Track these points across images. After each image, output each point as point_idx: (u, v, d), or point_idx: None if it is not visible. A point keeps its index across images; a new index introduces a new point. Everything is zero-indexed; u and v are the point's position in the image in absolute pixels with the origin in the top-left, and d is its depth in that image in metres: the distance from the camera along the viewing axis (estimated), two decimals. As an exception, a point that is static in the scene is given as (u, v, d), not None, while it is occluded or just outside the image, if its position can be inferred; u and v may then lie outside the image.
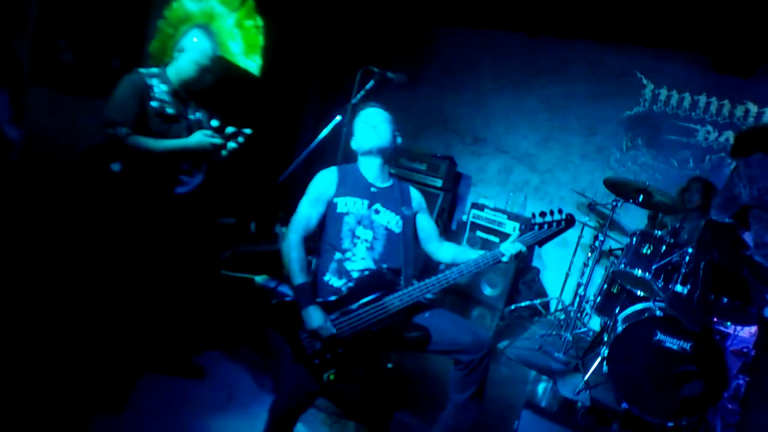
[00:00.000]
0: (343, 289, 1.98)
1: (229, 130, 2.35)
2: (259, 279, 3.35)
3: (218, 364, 2.85)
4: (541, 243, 2.03)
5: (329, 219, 2.07)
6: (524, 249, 1.97)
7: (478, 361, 1.92)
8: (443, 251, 2.19)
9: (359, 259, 2.03)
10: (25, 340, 2.28)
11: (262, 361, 2.89)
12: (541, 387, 3.18)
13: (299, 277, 1.93)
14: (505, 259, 1.96)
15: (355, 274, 2.01)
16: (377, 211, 2.08)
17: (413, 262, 2.09)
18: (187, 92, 2.34)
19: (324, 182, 2.10)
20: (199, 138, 2.24)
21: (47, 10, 2.61)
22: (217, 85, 2.42)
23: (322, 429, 2.48)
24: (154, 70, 2.28)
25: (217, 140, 2.29)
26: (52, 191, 2.65)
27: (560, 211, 2.01)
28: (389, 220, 2.09)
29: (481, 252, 2.02)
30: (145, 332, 2.46)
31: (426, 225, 2.21)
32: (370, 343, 1.93)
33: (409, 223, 2.12)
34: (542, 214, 2.01)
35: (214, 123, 2.34)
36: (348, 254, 2.03)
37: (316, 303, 1.90)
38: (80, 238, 2.51)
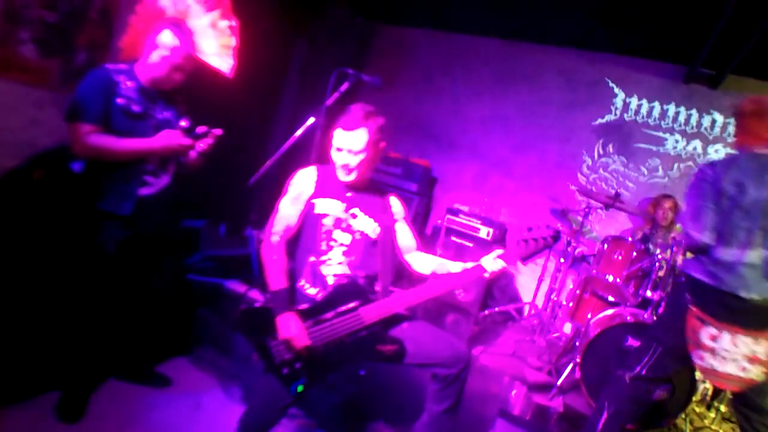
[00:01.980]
0: (318, 297, 1.93)
1: (200, 130, 2.27)
2: (229, 283, 3.26)
3: (185, 371, 2.76)
4: (526, 260, 2.01)
5: (306, 220, 2.02)
6: (507, 266, 1.93)
7: (455, 375, 1.90)
8: (422, 263, 2.14)
9: (335, 264, 1.98)
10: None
11: (231, 369, 2.82)
12: (514, 393, 3.18)
13: (278, 282, 1.87)
14: (486, 275, 1.93)
15: (330, 279, 1.97)
16: (354, 216, 2.03)
17: (391, 271, 2.04)
18: (156, 90, 2.25)
19: (303, 181, 2.04)
20: (166, 138, 2.16)
21: (9, 1, 2.49)
22: (187, 84, 2.34)
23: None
24: (122, 66, 2.19)
25: (185, 140, 2.22)
26: (10, 190, 2.53)
27: (547, 227, 1.96)
28: (366, 225, 2.04)
29: (461, 264, 1.99)
30: (108, 338, 2.35)
31: (405, 235, 2.17)
32: (342, 355, 1.88)
33: (388, 231, 2.07)
34: (529, 230, 1.96)
35: (184, 123, 2.26)
36: (323, 257, 1.98)
37: (293, 311, 1.85)
38: (39, 241, 2.39)
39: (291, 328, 1.80)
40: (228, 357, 2.88)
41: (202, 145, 2.28)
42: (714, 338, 2.09)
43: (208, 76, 3.67)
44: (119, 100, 2.10)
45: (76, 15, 2.79)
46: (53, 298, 2.31)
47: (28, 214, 2.43)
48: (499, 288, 4.77)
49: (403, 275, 4.52)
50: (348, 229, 2.01)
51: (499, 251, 1.94)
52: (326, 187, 2.04)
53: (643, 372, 2.30)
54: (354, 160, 1.96)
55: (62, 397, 2.23)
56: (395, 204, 2.17)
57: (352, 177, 1.99)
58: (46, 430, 2.10)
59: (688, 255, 2.35)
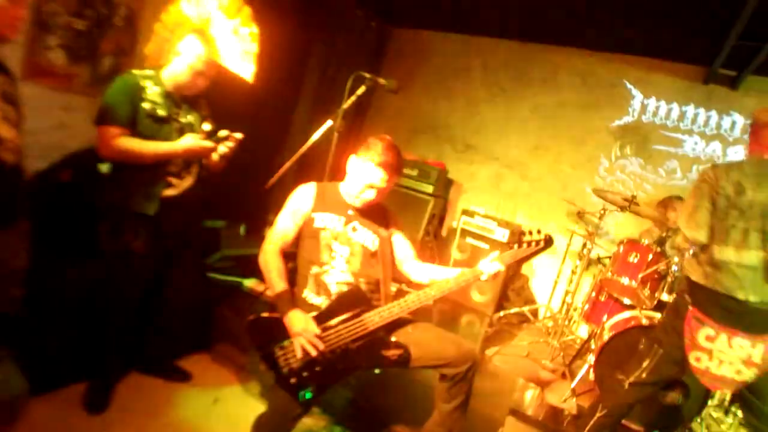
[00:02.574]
0: (322, 305, 1.99)
1: (221, 133, 2.35)
2: (248, 283, 3.34)
3: (205, 366, 2.84)
4: (520, 262, 2.09)
5: (306, 234, 2.09)
6: (502, 268, 2.00)
7: (463, 374, 1.94)
8: (421, 272, 2.19)
9: (338, 272, 2.05)
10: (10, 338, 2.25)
11: (249, 366, 2.89)
12: (528, 394, 3.19)
13: (279, 285, 1.94)
14: (483, 277, 1.99)
15: (333, 287, 2.03)
16: (354, 229, 2.10)
17: (391, 278, 2.12)
18: (180, 95, 2.34)
19: (302, 197, 2.11)
20: (189, 141, 2.24)
21: (38, 9, 2.60)
22: (210, 89, 2.42)
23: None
24: (149, 71, 2.28)
25: (208, 143, 2.29)
26: (42, 190, 2.63)
27: (539, 232, 2.02)
28: (366, 238, 2.10)
29: (459, 270, 2.04)
30: (133, 332, 2.44)
31: (402, 245, 2.24)
32: (349, 361, 1.91)
33: (386, 242, 2.14)
34: (521, 234, 2.04)
35: (206, 126, 2.34)
36: (326, 267, 2.04)
37: (297, 308, 1.90)
38: (68, 239, 2.49)
39: (300, 322, 1.85)
40: (246, 353, 2.95)
41: (223, 148, 2.36)
42: (710, 339, 2.09)
43: (230, 82, 3.76)
44: (145, 105, 2.19)
45: (102, 22, 2.90)
46: (80, 292, 2.40)
47: (56, 213, 2.53)
48: (514, 290, 4.78)
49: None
50: (348, 242, 2.08)
51: (496, 254, 2.01)
52: (327, 202, 2.11)
53: (644, 375, 2.31)
54: (377, 196, 2.06)
55: (89, 387, 2.33)
56: (391, 217, 2.25)
57: (364, 205, 2.09)
58: (74, 419, 2.19)
59: (687, 256, 2.35)
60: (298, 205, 2.10)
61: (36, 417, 2.09)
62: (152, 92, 2.22)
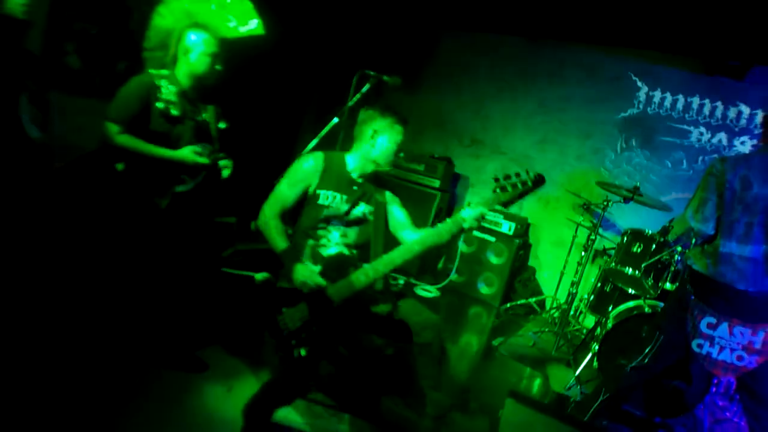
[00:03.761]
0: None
1: (221, 162, 2.43)
2: (260, 276, 3.43)
3: (220, 358, 2.93)
4: (507, 204, 1.99)
5: (308, 207, 2.17)
6: (485, 210, 1.96)
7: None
8: (414, 235, 2.19)
9: (333, 245, 2.16)
10: (32, 333, 2.37)
11: (262, 356, 2.98)
12: (534, 383, 3.26)
13: (282, 243, 2.06)
14: (466, 224, 1.96)
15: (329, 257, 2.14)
16: (356, 205, 2.20)
17: (383, 240, 2.18)
18: (199, 91, 2.40)
19: (307, 170, 2.18)
20: (186, 154, 2.30)
21: (54, 16, 2.71)
22: (228, 68, 2.47)
23: (318, 422, 2.57)
24: (164, 72, 2.35)
25: (203, 160, 2.33)
26: (60, 189, 2.75)
27: (527, 172, 1.96)
28: (365, 211, 2.21)
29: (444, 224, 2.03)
30: (149, 327, 2.54)
31: (397, 212, 2.30)
32: (341, 322, 2.02)
33: (381, 209, 2.24)
34: (506, 177, 1.95)
35: (222, 125, 2.42)
36: (323, 240, 2.15)
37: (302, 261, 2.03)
38: (86, 235, 2.60)
39: (306, 270, 1.99)
40: (259, 345, 3.05)
41: (227, 171, 2.44)
42: (712, 327, 2.14)
43: (245, 46, 3.68)
44: (159, 104, 2.26)
45: (116, 27, 3.00)
46: (98, 286, 2.50)
47: (73, 208, 2.64)
48: (521, 282, 4.83)
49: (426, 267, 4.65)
50: (348, 219, 2.18)
51: (477, 199, 2.05)
52: (332, 178, 2.18)
53: (645, 361, 2.37)
54: None
55: (109, 380, 2.43)
56: (388, 183, 2.35)
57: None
58: (92, 410, 2.30)
59: (692, 246, 2.39)
60: (302, 177, 2.17)
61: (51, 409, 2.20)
62: (167, 92, 2.29)
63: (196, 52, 2.33)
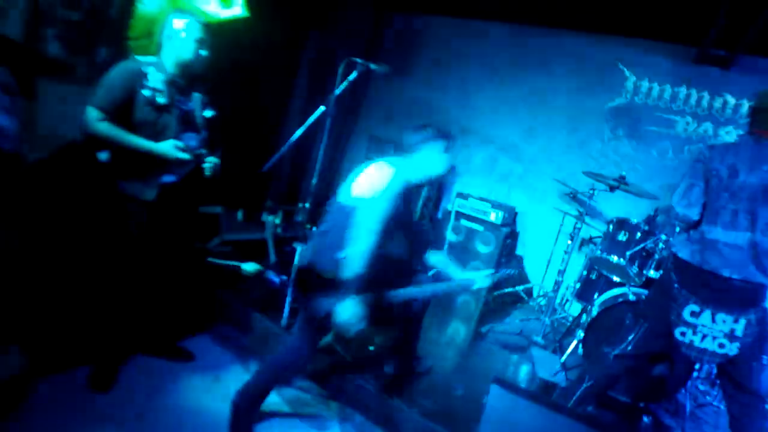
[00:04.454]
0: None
1: (201, 151, 2.38)
2: (246, 266, 3.43)
3: (206, 347, 2.94)
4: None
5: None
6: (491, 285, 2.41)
7: None
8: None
9: None
10: (17, 320, 2.35)
11: (249, 346, 2.99)
12: (520, 370, 3.30)
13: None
14: (474, 287, 2.38)
15: None
16: None
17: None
18: (184, 80, 2.36)
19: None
20: (167, 148, 2.25)
21: (35, 1, 2.65)
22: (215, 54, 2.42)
23: (307, 409, 2.59)
24: (152, 58, 2.30)
25: (185, 156, 2.28)
26: (41, 179, 2.71)
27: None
28: None
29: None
30: (136, 315, 2.53)
31: None
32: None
33: None
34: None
35: (208, 114, 2.37)
36: None
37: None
38: (70, 224, 2.57)
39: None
40: (246, 335, 3.05)
41: (210, 164, 2.40)
42: (695, 315, 2.17)
43: (229, 29, 3.61)
44: (145, 92, 2.21)
45: (97, 13, 2.94)
46: (84, 277, 2.49)
47: (57, 199, 2.61)
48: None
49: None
50: None
51: (491, 271, 2.41)
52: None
53: (629, 349, 2.40)
54: None
55: (94, 369, 2.42)
56: None
57: None
58: (80, 398, 2.29)
59: (676, 234, 2.42)
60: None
61: (41, 397, 2.19)
62: (154, 79, 2.24)
63: (180, 38, 2.28)
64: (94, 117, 2.15)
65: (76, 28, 2.87)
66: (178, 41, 2.29)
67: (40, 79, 2.78)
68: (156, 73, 2.26)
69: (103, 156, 2.30)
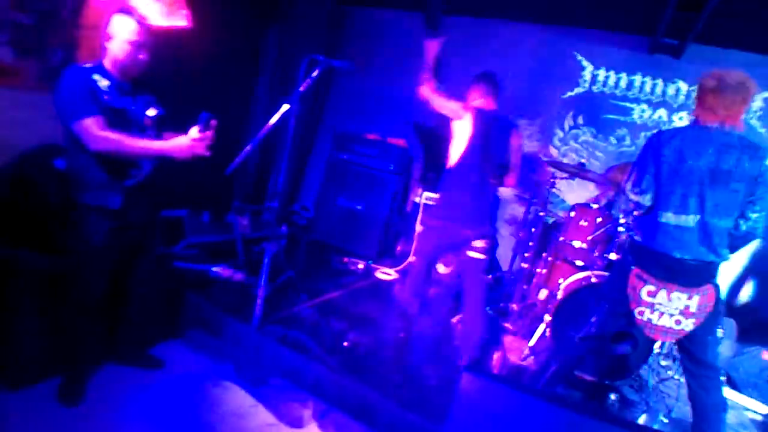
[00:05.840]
0: None
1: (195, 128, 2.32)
2: (216, 268, 3.40)
3: (177, 353, 2.91)
4: None
5: None
6: None
7: None
8: None
9: None
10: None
11: (221, 349, 2.96)
12: (492, 356, 3.38)
13: None
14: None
15: None
16: None
17: None
18: (127, 82, 2.30)
19: None
20: (183, 146, 2.25)
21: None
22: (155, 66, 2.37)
23: (282, 407, 2.60)
24: (92, 65, 2.22)
25: (200, 149, 2.30)
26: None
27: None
28: None
29: None
30: (102, 325, 2.48)
31: None
32: None
33: None
34: None
35: (151, 112, 2.32)
36: None
37: None
38: (29, 234, 2.49)
39: None
40: (217, 338, 3.03)
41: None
42: (652, 294, 2.28)
43: (172, 41, 3.54)
44: (102, 98, 2.16)
45: (49, 16, 2.85)
46: (50, 290, 2.42)
47: (16, 210, 2.52)
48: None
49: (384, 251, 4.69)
50: None
51: None
52: None
53: (592, 330, 2.50)
54: None
55: (62, 382, 2.37)
56: None
57: None
58: (49, 413, 2.24)
59: (630, 219, 2.53)
60: None
61: (10, 413, 2.14)
62: (103, 85, 2.18)
63: (118, 39, 2.20)
64: (93, 125, 2.08)
65: (26, 32, 2.77)
66: (115, 42, 2.21)
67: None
68: (102, 78, 2.19)
69: (60, 164, 2.24)
